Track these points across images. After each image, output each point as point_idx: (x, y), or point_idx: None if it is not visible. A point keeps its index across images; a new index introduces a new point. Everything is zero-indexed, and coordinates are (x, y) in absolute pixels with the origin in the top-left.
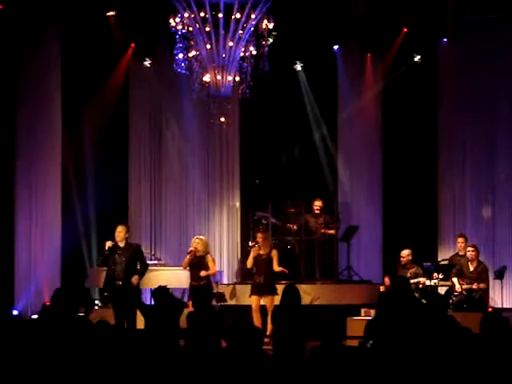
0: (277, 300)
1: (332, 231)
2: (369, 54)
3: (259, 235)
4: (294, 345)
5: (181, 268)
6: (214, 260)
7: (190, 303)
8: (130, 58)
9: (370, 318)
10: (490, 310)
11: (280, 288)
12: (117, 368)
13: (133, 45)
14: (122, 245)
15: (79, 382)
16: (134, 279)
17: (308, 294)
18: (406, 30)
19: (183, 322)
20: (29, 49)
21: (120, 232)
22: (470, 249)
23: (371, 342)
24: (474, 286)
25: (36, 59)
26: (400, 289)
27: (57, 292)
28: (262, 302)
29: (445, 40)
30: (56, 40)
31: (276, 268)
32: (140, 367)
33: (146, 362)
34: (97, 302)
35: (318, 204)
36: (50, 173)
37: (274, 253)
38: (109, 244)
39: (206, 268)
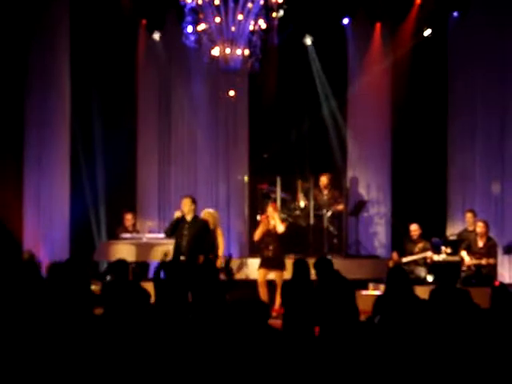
0: (285, 275)
1: (340, 206)
2: (378, 24)
3: (269, 209)
4: (303, 319)
5: None
6: (222, 234)
7: None
8: (140, 32)
9: (378, 292)
10: (497, 283)
11: (289, 262)
12: (130, 340)
13: (144, 21)
14: (188, 218)
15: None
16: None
17: None
18: (419, 1)
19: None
20: (37, 23)
21: (184, 205)
22: (480, 224)
23: (379, 317)
24: (483, 262)
25: (45, 33)
26: (397, 282)
27: (64, 265)
28: (270, 276)
29: (455, 14)
30: (64, 13)
31: (280, 229)
32: (150, 340)
33: (156, 335)
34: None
35: (323, 179)
36: (58, 146)
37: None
38: (177, 214)
39: (216, 241)
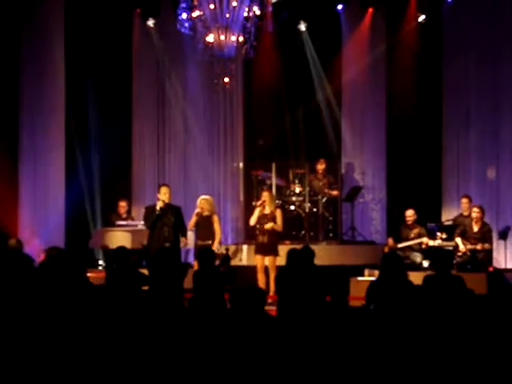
0: (278, 261)
1: (335, 192)
2: (370, 9)
3: (265, 194)
4: (298, 306)
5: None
6: (219, 220)
7: (196, 263)
8: (134, 19)
9: (373, 278)
10: (491, 269)
11: (284, 249)
12: (120, 328)
13: (138, 10)
14: (164, 207)
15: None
16: (183, 241)
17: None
18: None
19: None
20: (30, 10)
21: (165, 193)
22: (475, 209)
23: (374, 304)
24: (479, 247)
25: (38, 21)
26: (391, 267)
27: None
28: (265, 262)
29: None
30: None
31: (280, 227)
32: (144, 327)
33: (149, 322)
34: (100, 262)
35: (319, 167)
36: (53, 133)
37: (278, 212)
38: (160, 204)
39: (212, 227)
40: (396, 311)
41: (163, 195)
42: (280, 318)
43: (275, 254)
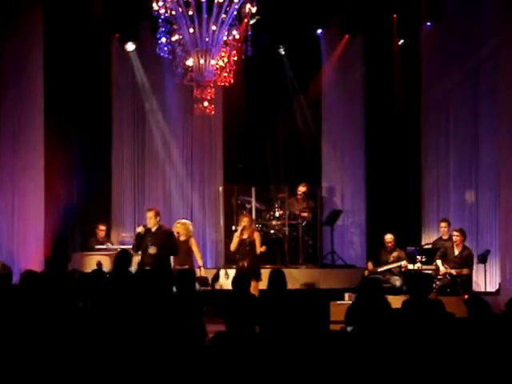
0: (261, 285)
1: (305, 214)
2: (347, 35)
3: (244, 219)
4: (280, 330)
5: None
6: (197, 244)
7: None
8: (113, 44)
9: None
10: (466, 296)
11: (265, 273)
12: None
13: (117, 35)
14: (153, 230)
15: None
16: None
17: (295, 278)
18: (395, 16)
19: None
20: (10, 32)
21: (150, 218)
22: (455, 233)
23: (352, 327)
24: (454, 272)
25: (17, 44)
26: (370, 292)
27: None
28: None
29: (428, 23)
30: (38, 22)
31: (258, 249)
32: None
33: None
34: None
35: (301, 189)
36: (32, 157)
37: (257, 235)
38: (139, 230)
39: (190, 252)
40: (375, 334)
41: (147, 219)
42: (261, 341)
43: (257, 278)
